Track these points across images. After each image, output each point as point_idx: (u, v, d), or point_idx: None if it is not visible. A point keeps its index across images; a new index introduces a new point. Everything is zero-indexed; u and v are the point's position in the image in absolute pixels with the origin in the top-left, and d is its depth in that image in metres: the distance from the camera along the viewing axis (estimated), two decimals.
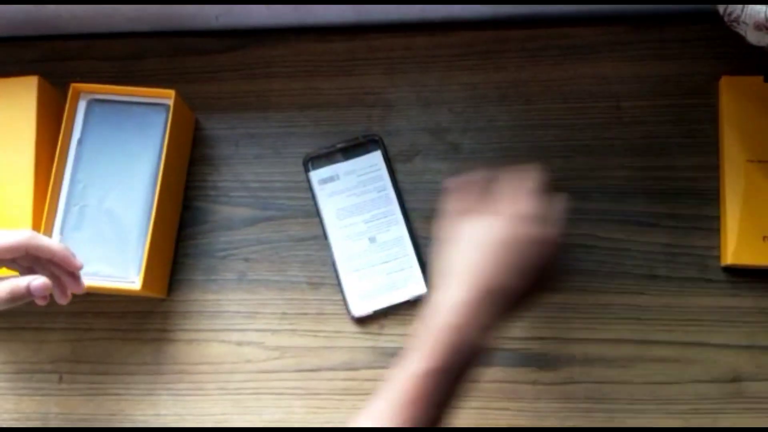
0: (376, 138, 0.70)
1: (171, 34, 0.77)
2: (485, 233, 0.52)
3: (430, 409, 0.48)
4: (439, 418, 0.49)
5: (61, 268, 0.58)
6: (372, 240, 0.67)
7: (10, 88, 0.69)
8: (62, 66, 0.76)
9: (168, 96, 0.68)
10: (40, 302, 0.57)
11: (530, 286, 0.52)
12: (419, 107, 0.73)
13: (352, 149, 0.70)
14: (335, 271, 0.68)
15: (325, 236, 0.69)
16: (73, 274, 0.59)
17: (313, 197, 0.69)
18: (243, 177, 0.72)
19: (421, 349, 0.49)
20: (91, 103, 0.69)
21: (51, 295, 0.65)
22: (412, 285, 0.68)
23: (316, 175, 0.69)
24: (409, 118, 0.73)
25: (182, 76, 0.75)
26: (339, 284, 0.68)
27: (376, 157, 0.69)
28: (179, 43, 0.76)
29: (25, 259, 0.57)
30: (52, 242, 0.57)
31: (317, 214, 0.69)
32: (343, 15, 0.75)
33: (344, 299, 0.68)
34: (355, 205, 0.68)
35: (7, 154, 0.67)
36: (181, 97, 0.70)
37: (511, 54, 0.73)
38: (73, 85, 0.69)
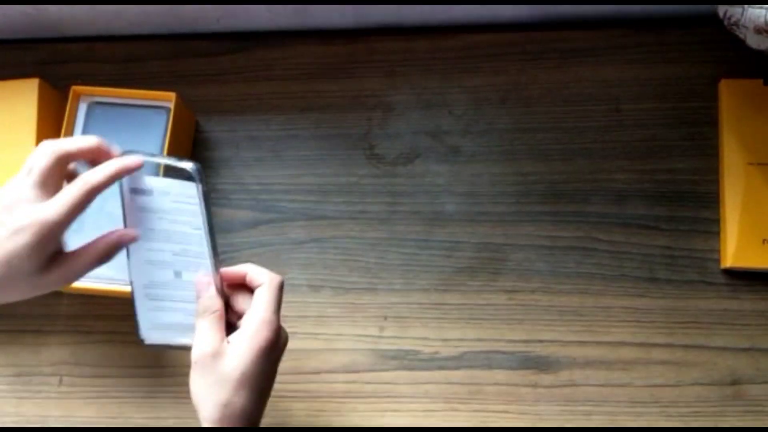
0: (196, 168, 0.54)
1: (172, 36, 0.77)
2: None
3: None
4: None
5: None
6: (177, 274, 0.57)
7: (11, 91, 0.69)
8: (63, 68, 0.76)
9: (168, 98, 0.68)
10: None
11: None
12: (419, 110, 0.73)
13: (172, 169, 0.55)
14: (132, 291, 0.58)
15: (127, 252, 0.57)
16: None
17: (122, 205, 0.56)
18: (243, 179, 0.72)
19: None
20: (91, 106, 0.70)
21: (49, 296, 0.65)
22: None
23: (130, 181, 0.55)
24: (409, 121, 0.73)
25: (183, 78, 0.75)
26: (133, 304, 0.59)
27: (192, 189, 0.54)
28: (180, 45, 0.76)
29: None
30: (75, 139, 0.53)
31: (123, 219, 0.56)
32: (344, 18, 0.75)
33: (136, 321, 0.59)
34: (165, 231, 0.56)
35: (8, 156, 0.67)
36: (181, 99, 0.70)
37: (511, 57, 0.73)
38: (74, 88, 0.69)
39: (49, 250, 0.50)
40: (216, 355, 0.51)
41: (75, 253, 0.53)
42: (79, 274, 0.53)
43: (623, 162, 0.70)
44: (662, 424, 0.64)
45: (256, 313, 0.53)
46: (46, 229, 0.49)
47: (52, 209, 0.49)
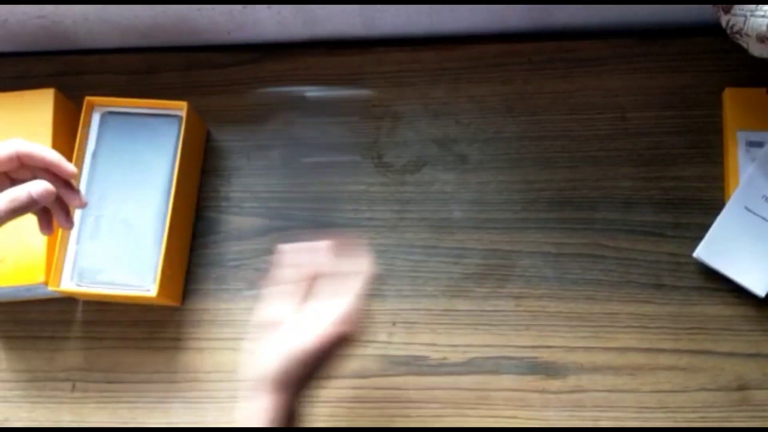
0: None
1: (184, 49, 0.78)
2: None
3: None
4: None
5: (57, 179, 0.55)
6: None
7: (27, 101, 0.70)
8: (77, 79, 0.77)
9: (180, 108, 0.70)
10: (45, 232, 0.58)
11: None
12: (427, 119, 0.74)
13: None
14: None
15: None
16: (71, 186, 0.56)
17: None
18: (254, 188, 0.73)
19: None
20: (105, 116, 0.71)
21: (63, 305, 0.66)
22: None
23: None
24: (417, 130, 0.74)
25: (195, 89, 0.77)
26: None
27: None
28: (192, 57, 0.77)
29: (20, 172, 0.55)
30: (43, 147, 0.54)
31: None
32: (353, 29, 0.76)
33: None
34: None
35: None
36: (193, 109, 0.71)
37: (517, 67, 0.74)
38: (88, 98, 0.70)
39: None
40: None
41: None
42: None
43: (629, 170, 0.71)
44: None
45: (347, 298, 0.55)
46: None
47: None
